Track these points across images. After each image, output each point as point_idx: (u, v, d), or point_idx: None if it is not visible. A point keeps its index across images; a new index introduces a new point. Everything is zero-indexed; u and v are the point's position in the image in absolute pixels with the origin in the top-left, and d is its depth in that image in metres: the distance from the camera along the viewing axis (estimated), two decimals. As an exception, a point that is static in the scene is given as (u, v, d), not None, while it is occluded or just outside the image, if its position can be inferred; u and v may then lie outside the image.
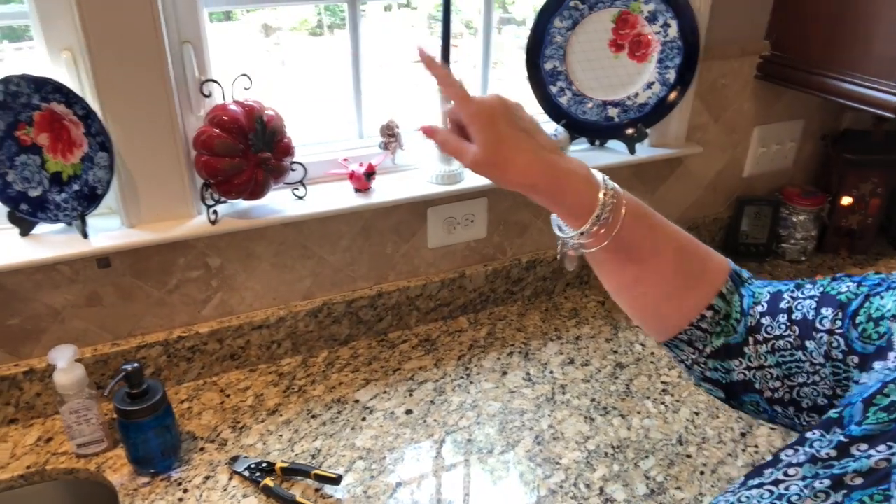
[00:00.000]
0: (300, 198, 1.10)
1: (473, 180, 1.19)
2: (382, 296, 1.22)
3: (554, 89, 1.24)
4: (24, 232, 0.98)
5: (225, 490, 0.93)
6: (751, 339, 0.55)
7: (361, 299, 1.21)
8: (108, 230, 1.00)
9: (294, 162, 1.06)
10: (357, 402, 1.09)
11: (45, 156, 0.94)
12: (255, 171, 0.99)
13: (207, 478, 0.95)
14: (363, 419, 1.06)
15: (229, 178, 0.98)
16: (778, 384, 0.54)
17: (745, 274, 0.60)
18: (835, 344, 0.50)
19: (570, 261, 0.59)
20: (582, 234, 0.55)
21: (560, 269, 1.39)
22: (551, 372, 1.17)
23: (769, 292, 0.56)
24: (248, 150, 0.98)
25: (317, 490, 0.93)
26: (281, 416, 1.06)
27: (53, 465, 0.96)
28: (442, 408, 1.08)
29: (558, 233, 0.59)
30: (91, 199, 0.95)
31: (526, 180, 0.55)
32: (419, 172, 1.20)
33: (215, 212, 1.02)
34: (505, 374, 1.17)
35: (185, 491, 0.92)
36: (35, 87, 0.90)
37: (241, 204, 1.06)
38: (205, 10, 0.99)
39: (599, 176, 0.56)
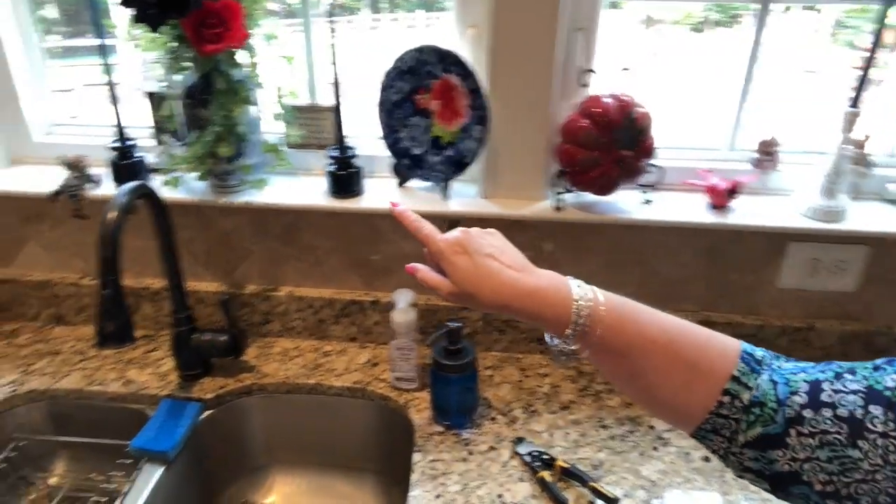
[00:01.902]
0: (648, 202, 1.04)
1: (857, 223, 1.00)
2: (707, 325, 1.11)
3: None
4: (401, 183, 1.11)
5: (504, 466, 0.95)
6: (793, 431, 0.51)
7: (683, 322, 1.11)
8: (464, 196, 1.08)
9: (651, 164, 1.01)
10: (652, 428, 1.02)
11: (433, 120, 1.05)
12: (611, 168, 0.97)
13: (492, 448, 0.98)
14: (654, 448, 0.98)
15: (585, 169, 0.97)
16: (829, 477, 0.50)
17: (760, 353, 0.57)
18: (892, 448, 0.46)
19: (560, 363, 0.62)
20: (566, 342, 0.58)
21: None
22: (903, 479, 0.94)
23: (805, 381, 0.52)
24: (610, 145, 0.96)
25: (590, 503, 0.90)
26: (571, 414, 1.05)
27: (373, 388, 1.10)
28: (749, 470, 0.95)
29: (548, 341, 0.61)
30: (459, 165, 1.04)
31: (496, 303, 0.58)
32: (790, 200, 1.04)
33: (563, 200, 1.03)
34: (838, 459, 0.97)
35: (470, 453, 0.97)
36: (439, 57, 0.99)
37: (588, 196, 1.05)
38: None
39: (574, 285, 0.58)
